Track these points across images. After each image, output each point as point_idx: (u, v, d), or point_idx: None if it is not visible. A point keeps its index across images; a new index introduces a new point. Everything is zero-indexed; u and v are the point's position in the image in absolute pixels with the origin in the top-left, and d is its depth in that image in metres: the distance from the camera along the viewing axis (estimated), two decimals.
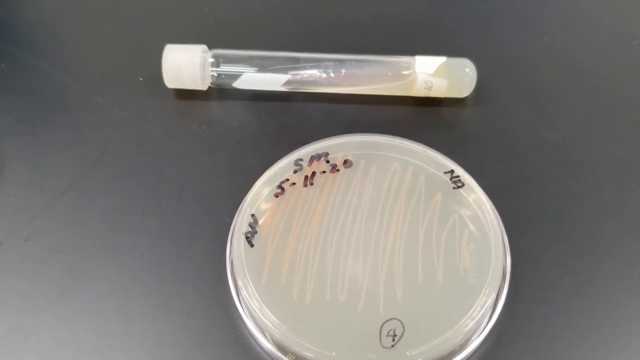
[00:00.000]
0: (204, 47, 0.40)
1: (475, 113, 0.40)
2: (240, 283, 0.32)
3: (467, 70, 0.39)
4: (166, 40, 0.40)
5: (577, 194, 0.37)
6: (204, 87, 0.41)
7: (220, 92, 0.41)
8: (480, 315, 0.31)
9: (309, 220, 0.34)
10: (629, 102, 0.41)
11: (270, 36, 0.45)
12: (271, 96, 0.41)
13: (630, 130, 0.40)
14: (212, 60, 0.40)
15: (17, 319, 0.32)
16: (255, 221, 0.34)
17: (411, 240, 0.33)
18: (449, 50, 0.40)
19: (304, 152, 0.36)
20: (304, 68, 0.40)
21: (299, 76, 0.40)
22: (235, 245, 0.33)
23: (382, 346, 0.30)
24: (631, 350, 0.32)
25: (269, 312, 0.31)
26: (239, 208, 0.34)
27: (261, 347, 0.32)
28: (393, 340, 0.30)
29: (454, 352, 0.31)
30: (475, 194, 0.35)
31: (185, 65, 0.39)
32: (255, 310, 0.31)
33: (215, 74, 0.40)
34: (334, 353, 0.30)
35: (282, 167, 0.36)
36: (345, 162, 0.36)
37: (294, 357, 0.30)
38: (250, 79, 0.40)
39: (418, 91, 0.40)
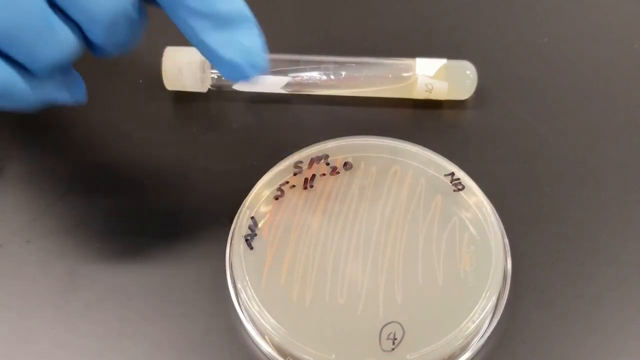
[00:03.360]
0: None
1: (476, 115, 0.40)
2: (239, 286, 0.32)
3: (468, 72, 0.39)
4: (166, 42, 0.40)
5: (578, 196, 0.37)
6: (204, 89, 0.40)
7: (220, 94, 0.41)
8: (481, 319, 0.31)
9: (308, 222, 0.34)
10: (630, 104, 0.41)
11: (270, 38, 0.45)
12: (271, 98, 0.41)
13: (631, 133, 0.40)
14: None
15: (17, 321, 0.32)
16: (255, 224, 0.34)
17: (411, 243, 0.33)
18: (449, 52, 0.40)
19: (304, 154, 0.36)
20: (304, 70, 0.40)
21: (299, 78, 0.40)
22: (235, 247, 0.33)
23: (382, 349, 0.30)
24: (631, 353, 0.32)
25: (268, 315, 0.31)
26: (239, 211, 0.34)
27: (260, 350, 0.32)
28: (393, 343, 0.30)
29: (455, 356, 0.31)
30: (475, 197, 0.35)
31: (186, 67, 0.39)
32: (255, 313, 0.31)
33: (216, 76, 0.40)
34: (333, 356, 0.30)
35: (281, 169, 0.36)
36: (345, 164, 0.36)
37: None
38: (250, 81, 0.40)
39: (418, 93, 0.40)
